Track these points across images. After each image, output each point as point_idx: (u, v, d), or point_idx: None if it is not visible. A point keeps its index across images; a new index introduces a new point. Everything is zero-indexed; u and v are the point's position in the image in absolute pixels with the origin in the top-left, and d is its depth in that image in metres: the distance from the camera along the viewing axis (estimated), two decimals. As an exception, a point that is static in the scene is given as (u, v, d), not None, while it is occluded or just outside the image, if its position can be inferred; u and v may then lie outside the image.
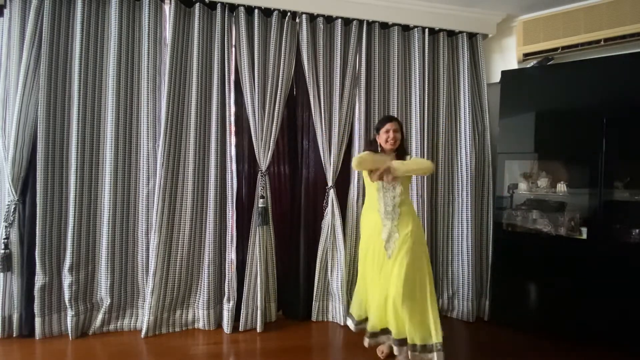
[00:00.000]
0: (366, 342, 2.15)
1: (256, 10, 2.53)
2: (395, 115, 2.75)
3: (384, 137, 2.15)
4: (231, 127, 2.60)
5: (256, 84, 2.52)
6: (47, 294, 2.32)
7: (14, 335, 2.33)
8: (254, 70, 2.54)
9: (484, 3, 2.72)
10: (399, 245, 2.03)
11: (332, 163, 2.65)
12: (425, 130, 2.80)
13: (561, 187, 2.55)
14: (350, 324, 2.34)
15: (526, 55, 2.83)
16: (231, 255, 2.58)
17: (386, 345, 2.19)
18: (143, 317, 2.45)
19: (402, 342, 2.00)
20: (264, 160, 2.56)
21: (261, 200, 2.55)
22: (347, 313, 2.38)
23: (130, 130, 2.46)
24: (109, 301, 2.41)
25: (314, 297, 2.70)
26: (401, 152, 2.19)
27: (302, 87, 2.70)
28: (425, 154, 2.79)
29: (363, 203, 2.73)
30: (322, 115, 2.63)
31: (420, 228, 2.14)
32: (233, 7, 2.54)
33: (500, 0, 2.67)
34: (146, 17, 2.41)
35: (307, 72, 2.61)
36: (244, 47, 2.52)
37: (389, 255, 2.06)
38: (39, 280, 2.28)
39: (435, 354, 1.95)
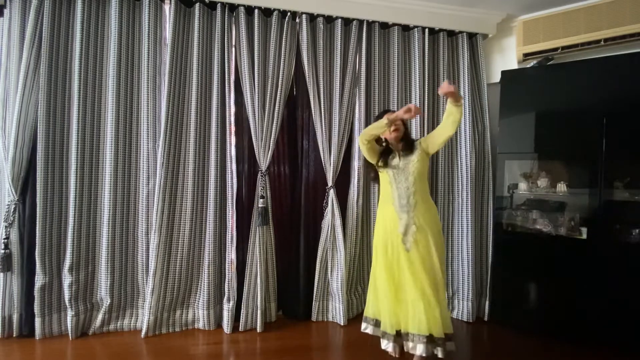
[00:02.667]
0: (383, 344, 2.05)
1: (256, 10, 2.53)
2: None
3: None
4: (231, 127, 2.60)
5: (256, 84, 2.52)
6: (47, 294, 2.32)
7: (14, 335, 2.33)
8: (254, 70, 2.54)
9: (484, 3, 2.72)
10: (417, 237, 1.99)
11: (332, 163, 2.65)
12: (425, 131, 2.80)
13: (561, 187, 2.55)
14: (368, 329, 2.18)
15: (526, 55, 2.83)
16: (231, 255, 2.58)
17: (397, 345, 2.05)
18: (143, 317, 2.45)
19: (429, 339, 1.91)
20: (264, 160, 2.56)
21: (261, 200, 2.55)
22: (364, 317, 2.21)
23: (130, 130, 2.46)
24: (109, 301, 2.41)
25: (314, 297, 2.70)
26: (409, 142, 2.12)
27: (302, 87, 2.69)
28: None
29: (363, 203, 2.75)
30: (322, 115, 2.63)
31: (436, 218, 2.09)
32: (233, 7, 2.54)
33: (500, 0, 2.67)
34: (146, 17, 2.41)
35: (307, 72, 2.60)
36: (244, 47, 2.52)
37: (407, 249, 2.00)
38: (39, 280, 2.28)
39: (439, 348, 1.91)
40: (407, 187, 2.05)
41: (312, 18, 2.64)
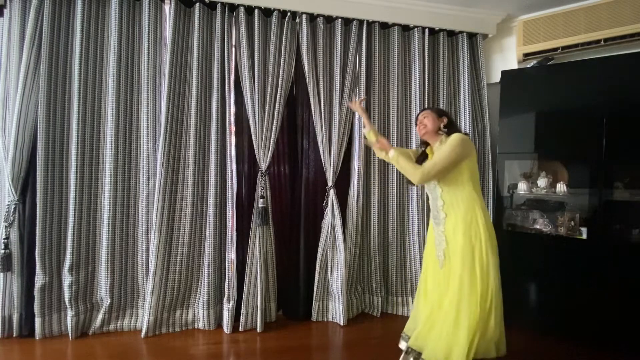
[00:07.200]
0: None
1: (256, 10, 2.53)
2: (395, 115, 2.77)
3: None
4: (231, 127, 2.60)
5: (256, 84, 2.52)
6: (47, 294, 2.31)
7: (14, 335, 2.33)
8: (254, 70, 2.54)
9: (484, 3, 2.72)
10: (450, 255, 1.77)
11: (332, 163, 2.65)
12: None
13: (561, 187, 2.55)
14: (402, 345, 2.02)
15: (526, 55, 2.83)
16: (231, 255, 2.58)
17: None
18: (143, 317, 2.45)
19: None
20: (264, 160, 2.56)
21: (261, 200, 2.55)
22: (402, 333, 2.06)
23: (130, 130, 2.46)
24: (109, 301, 2.41)
25: (314, 297, 2.70)
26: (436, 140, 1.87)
27: (302, 87, 2.69)
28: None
29: (363, 203, 2.75)
30: (322, 115, 2.63)
31: (472, 235, 1.72)
32: (233, 7, 2.54)
33: (500, 0, 2.67)
34: (146, 17, 2.41)
35: (307, 72, 2.60)
36: (244, 47, 2.52)
37: (440, 265, 1.83)
38: (39, 280, 2.28)
39: None
40: (435, 197, 1.82)
41: (312, 18, 2.64)
